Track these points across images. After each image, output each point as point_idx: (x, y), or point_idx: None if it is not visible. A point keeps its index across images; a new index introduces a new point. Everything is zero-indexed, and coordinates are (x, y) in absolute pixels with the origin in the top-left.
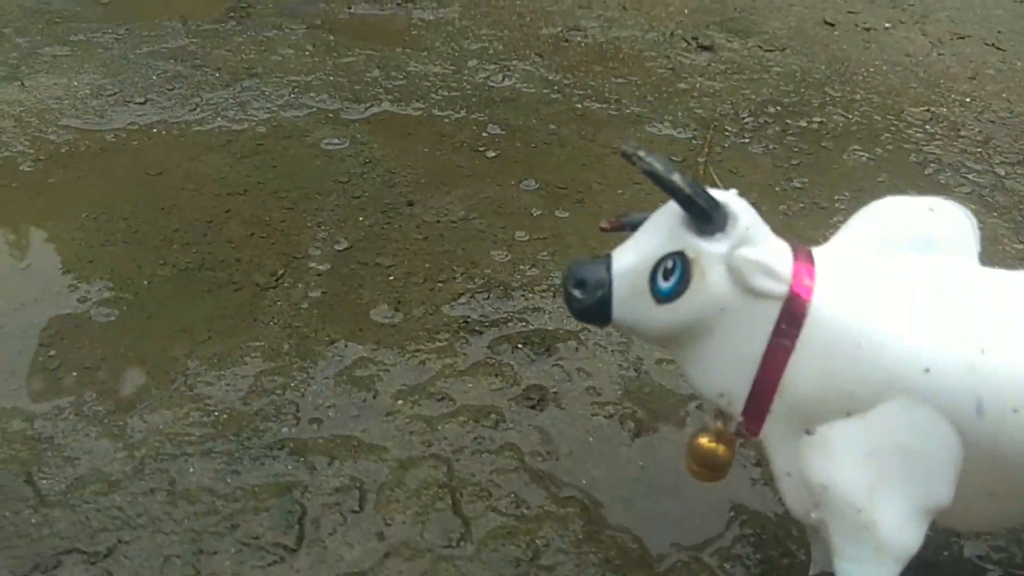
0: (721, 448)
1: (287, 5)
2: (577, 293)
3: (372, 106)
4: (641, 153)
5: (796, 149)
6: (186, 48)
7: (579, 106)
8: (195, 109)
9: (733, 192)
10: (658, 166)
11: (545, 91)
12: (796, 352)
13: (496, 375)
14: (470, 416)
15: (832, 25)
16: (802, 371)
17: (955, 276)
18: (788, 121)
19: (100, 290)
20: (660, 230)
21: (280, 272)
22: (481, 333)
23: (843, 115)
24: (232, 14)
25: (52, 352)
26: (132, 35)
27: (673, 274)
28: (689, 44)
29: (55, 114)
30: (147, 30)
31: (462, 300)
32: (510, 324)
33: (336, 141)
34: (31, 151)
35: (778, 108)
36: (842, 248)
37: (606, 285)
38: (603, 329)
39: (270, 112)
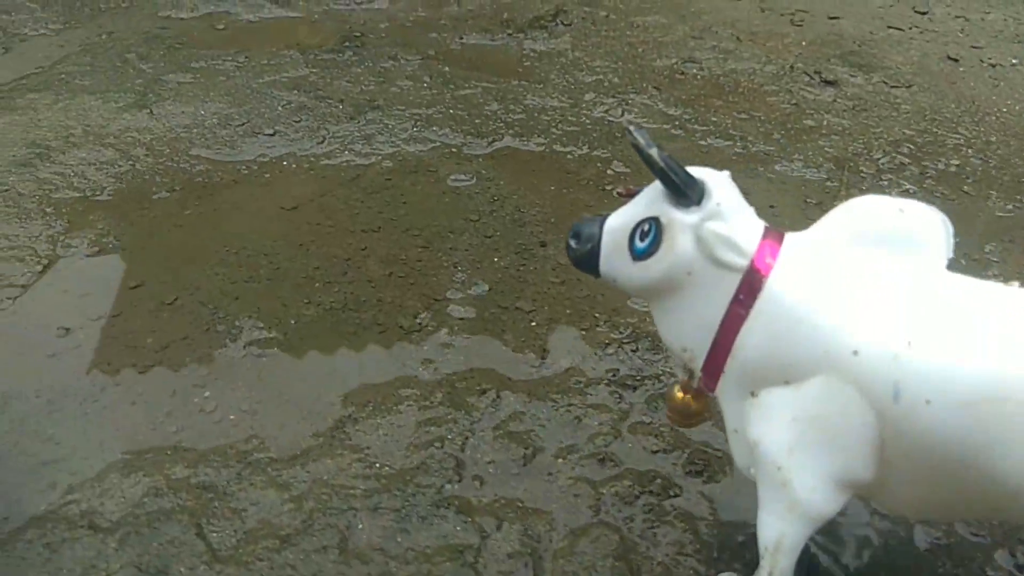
0: (690, 398)
1: (399, 36)
2: (573, 243)
3: (494, 141)
4: (631, 128)
5: (937, 194)
6: (307, 78)
7: (703, 143)
8: (322, 142)
9: (725, 173)
10: (640, 140)
11: (665, 126)
12: (748, 320)
13: (656, 435)
14: (635, 480)
15: (956, 61)
16: (752, 338)
17: (908, 274)
18: (925, 163)
19: (249, 329)
20: (645, 198)
21: (423, 315)
22: (635, 388)
23: (981, 158)
24: (347, 43)
25: (207, 393)
26: (252, 63)
27: (648, 236)
28: (811, 78)
29: (185, 143)
30: (266, 58)
31: (610, 351)
32: (663, 379)
33: (463, 178)
34: (165, 180)
35: (912, 148)
36: (813, 237)
37: (595, 239)
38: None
39: (395, 146)
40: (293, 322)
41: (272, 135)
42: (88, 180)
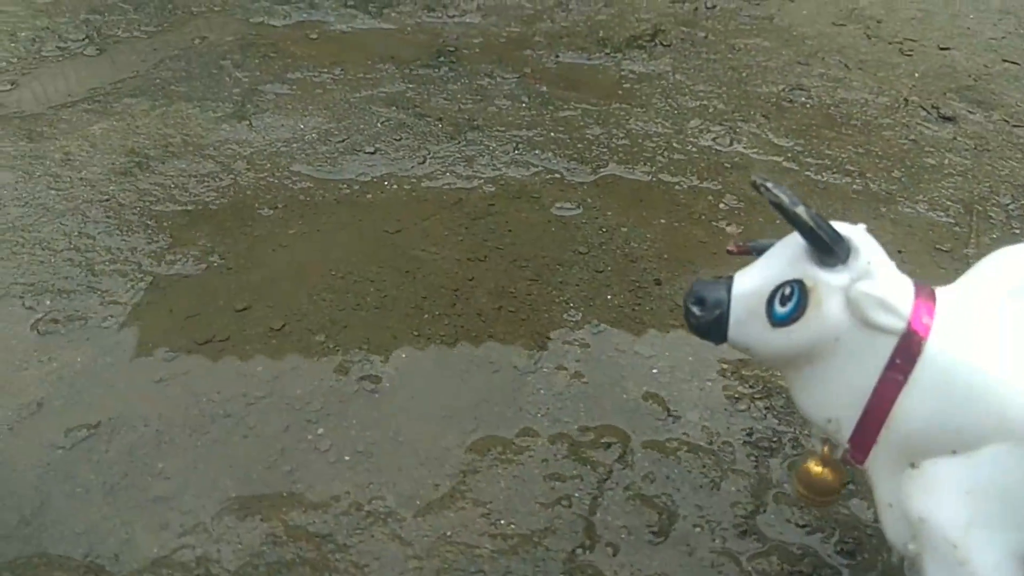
0: (828, 473)
1: (493, 52)
2: (696, 310)
3: (599, 167)
4: (769, 184)
5: None
6: (404, 94)
7: (818, 178)
8: (423, 162)
9: (861, 227)
10: (784, 197)
11: (777, 158)
12: (907, 387)
13: (801, 507)
14: (782, 558)
15: None
16: (912, 406)
17: None
18: None
19: (360, 362)
20: (782, 257)
21: (537, 354)
22: (773, 452)
23: None
24: (442, 58)
25: (320, 430)
26: (348, 76)
27: (791, 300)
28: (928, 113)
29: (286, 158)
30: (361, 71)
31: (741, 407)
32: (802, 443)
33: (568, 206)
34: (268, 196)
35: None
36: (965, 291)
37: (724, 305)
38: None
39: (496, 170)
40: (404, 356)
41: (373, 153)
42: (189, 193)
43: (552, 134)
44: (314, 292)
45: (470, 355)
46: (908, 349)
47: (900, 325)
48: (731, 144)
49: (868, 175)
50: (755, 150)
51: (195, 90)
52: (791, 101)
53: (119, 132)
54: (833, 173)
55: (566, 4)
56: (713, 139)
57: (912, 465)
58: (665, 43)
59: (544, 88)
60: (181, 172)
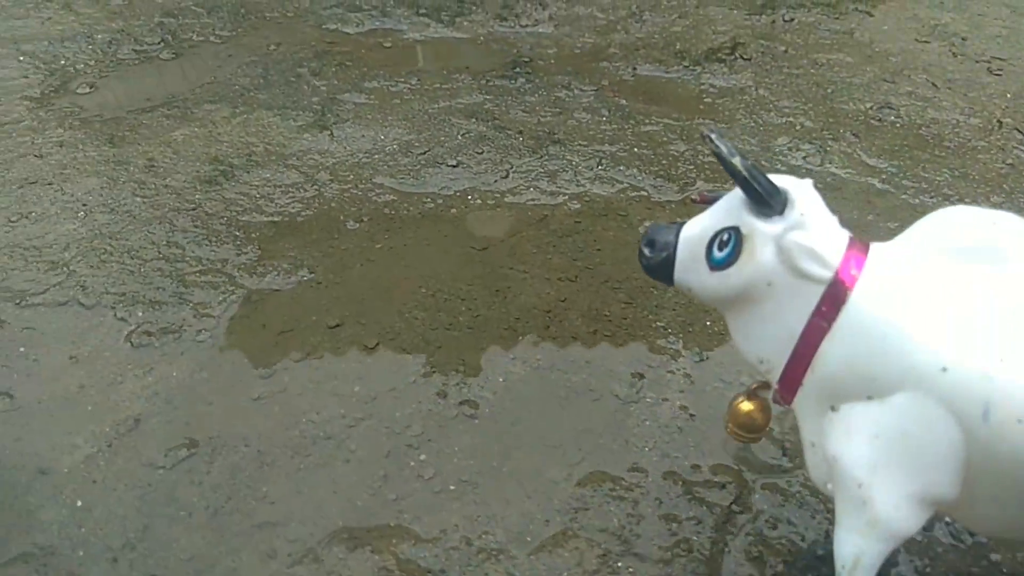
0: (756, 412)
1: (569, 63)
2: (647, 251)
3: (686, 185)
4: (713, 135)
5: None
6: (483, 105)
7: (915, 201)
8: (506, 176)
9: (808, 182)
10: (722, 147)
11: (871, 179)
12: (830, 333)
13: (930, 557)
14: None
15: None
16: (834, 351)
17: (1001, 288)
18: None
19: (457, 385)
20: (725, 207)
21: (638, 383)
22: None
23: None
24: (518, 69)
25: (423, 456)
26: (424, 86)
27: (727, 246)
28: None
29: (369, 170)
30: (438, 81)
31: None
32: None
33: None
34: (352, 209)
35: None
36: (899, 248)
37: (671, 248)
38: None
39: (580, 186)
40: (501, 380)
41: (455, 166)
42: (275, 204)
43: (635, 149)
44: (405, 310)
45: (568, 382)
46: (834, 297)
47: (827, 274)
48: (822, 164)
49: (967, 200)
50: (848, 170)
51: (274, 98)
52: (880, 120)
53: (201, 139)
54: (931, 196)
55: (640, 15)
56: (804, 158)
57: (832, 408)
58: (745, 57)
59: (623, 101)
60: (266, 182)
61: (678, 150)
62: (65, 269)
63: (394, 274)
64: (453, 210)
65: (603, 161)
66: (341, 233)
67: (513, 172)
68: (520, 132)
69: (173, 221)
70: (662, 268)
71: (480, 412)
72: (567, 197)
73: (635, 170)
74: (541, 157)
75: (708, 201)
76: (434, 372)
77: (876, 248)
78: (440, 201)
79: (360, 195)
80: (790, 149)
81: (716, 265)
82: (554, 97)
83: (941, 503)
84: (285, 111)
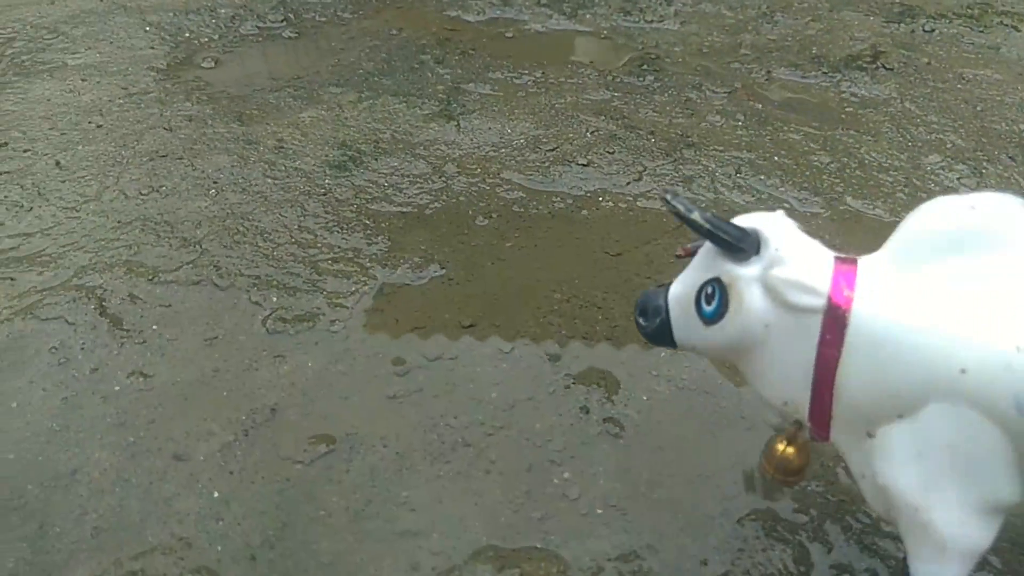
0: (793, 453)
1: (698, 62)
2: (642, 320)
3: (832, 200)
4: (668, 196)
5: None
6: (611, 103)
7: None
8: (639, 179)
9: (779, 213)
10: (679, 206)
11: None
12: (843, 358)
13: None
14: None
15: None
16: (852, 376)
17: (999, 273)
18: None
19: (599, 400)
20: (704, 259)
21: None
22: None
23: None
24: (645, 67)
25: (566, 474)
26: (549, 80)
27: (713, 298)
28: None
29: (496, 164)
30: (562, 76)
31: None
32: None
33: None
34: (481, 204)
35: None
36: (887, 254)
37: (663, 311)
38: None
39: (718, 193)
40: (645, 399)
41: (585, 165)
42: (404, 194)
43: (775, 158)
44: (539, 314)
45: (718, 406)
46: (835, 323)
47: (820, 302)
48: (979, 186)
49: None
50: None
51: (399, 84)
52: None
53: (328, 122)
54: None
55: (771, 16)
56: (958, 179)
57: (869, 435)
58: (888, 66)
59: (759, 106)
60: (394, 171)
61: (821, 161)
62: (198, 247)
63: (527, 275)
64: (584, 211)
65: (742, 169)
66: (471, 229)
67: (646, 175)
68: (652, 133)
69: (304, 205)
70: (661, 334)
71: (625, 432)
72: (704, 205)
73: (776, 180)
74: (675, 161)
75: (692, 253)
76: (574, 384)
77: (864, 261)
78: (570, 201)
79: (488, 190)
80: (943, 168)
81: (709, 319)
82: (685, 98)
83: (1007, 506)
84: (410, 98)
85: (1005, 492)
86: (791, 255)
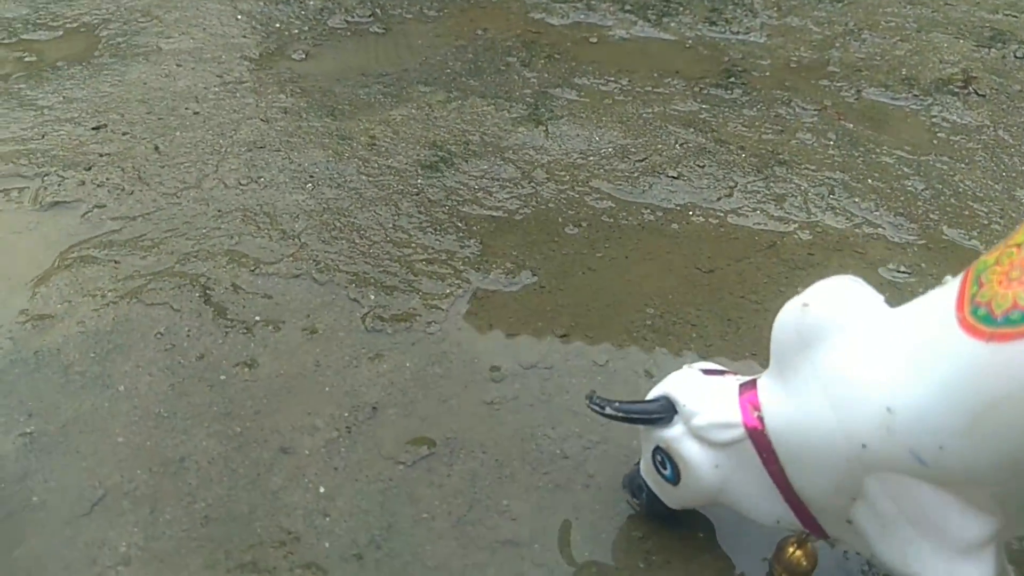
0: (801, 556)
1: (786, 77)
2: (635, 502)
3: (927, 228)
4: (586, 401)
5: None
6: (699, 115)
7: None
8: (730, 195)
9: (684, 368)
10: (595, 407)
11: None
12: (786, 468)
13: None
14: None
15: None
16: (801, 480)
17: (848, 353)
18: None
19: None
20: (644, 436)
21: None
22: None
23: None
24: (732, 79)
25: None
26: (635, 88)
27: (665, 464)
28: None
29: (584, 172)
30: (649, 84)
31: None
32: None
33: (902, 270)
34: (570, 212)
35: None
36: (770, 367)
37: (646, 487)
38: None
39: (811, 215)
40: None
41: (676, 178)
42: (494, 198)
43: (869, 181)
44: (633, 328)
45: None
46: (760, 443)
47: (739, 432)
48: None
49: None
50: None
51: (487, 86)
52: None
53: (419, 121)
54: None
55: (858, 33)
56: None
57: (848, 522)
58: (980, 92)
59: (850, 125)
60: (484, 173)
61: (915, 187)
62: (297, 241)
63: (618, 288)
64: (675, 225)
65: (835, 190)
66: (561, 237)
67: (737, 191)
68: (742, 148)
69: (398, 204)
70: (654, 505)
71: None
72: (797, 225)
73: (871, 204)
74: (766, 178)
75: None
76: None
77: (761, 379)
78: (660, 214)
79: (577, 198)
80: None
81: (672, 482)
82: (774, 113)
83: (987, 538)
84: (498, 101)
85: (971, 529)
86: (700, 403)
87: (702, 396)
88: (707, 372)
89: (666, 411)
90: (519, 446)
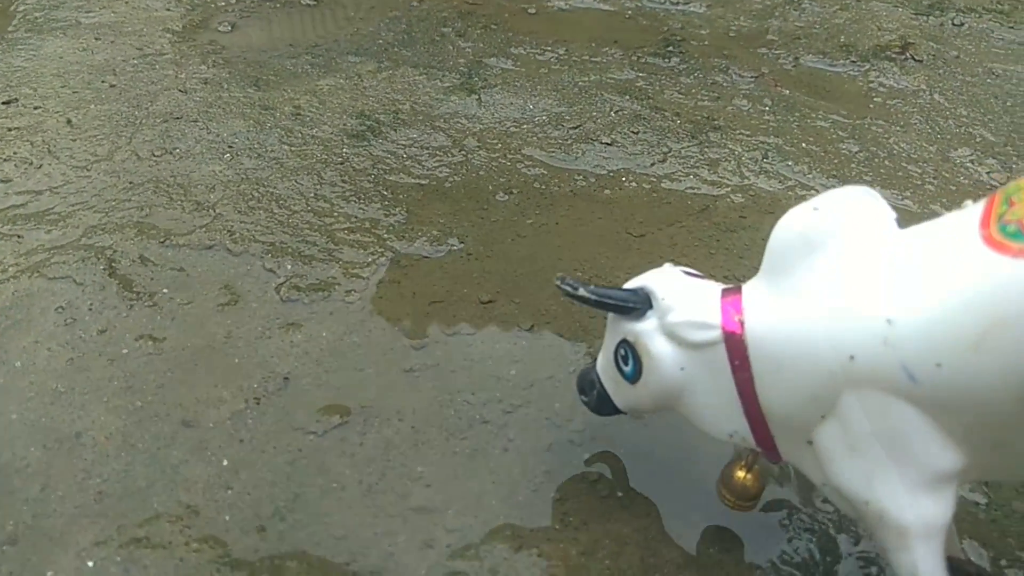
0: (749, 479)
1: (724, 46)
2: (583, 398)
3: None
4: (557, 280)
5: None
6: (635, 83)
7: None
8: (663, 161)
9: (666, 265)
10: (566, 287)
11: None
12: (756, 380)
13: None
14: None
15: None
16: (770, 392)
17: (853, 260)
18: None
19: None
20: (610, 326)
21: None
22: None
23: None
24: (671, 48)
25: (586, 455)
26: (572, 57)
27: (628, 359)
28: None
29: (517, 140)
30: (586, 53)
31: None
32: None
33: None
34: (501, 179)
35: None
36: (762, 273)
37: (597, 383)
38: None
39: (744, 178)
40: None
41: (609, 144)
42: (423, 166)
43: (803, 145)
44: (559, 293)
45: None
46: (735, 348)
47: (715, 333)
48: (1008, 181)
49: None
50: None
51: (419, 56)
52: None
53: (347, 91)
54: None
55: (798, 3)
56: (988, 173)
57: (809, 442)
58: (917, 58)
59: (786, 91)
60: (413, 142)
61: (850, 150)
62: (211, 211)
63: (547, 253)
64: (607, 191)
65: (769, 154)
66: (490, 204)
67: (671, 156)
68: (677, 114)
69: (321, 173)
70: (603, 404)
71: (648, 420)
72: (730, 189)
73: (804, 167)
74: (701, 144)
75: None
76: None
77: (747, 285)
78: (592, 180)
79: (508, 165)
80: (972, 162)
81: (631, 379)
82: (711, 81)
83: (952, 473)
84: (431, 70)
85: (942, 460)
86: (678, 300)
87: (681, 293)
88: (688, 274)
89: (641, 302)
90: (438, 412)
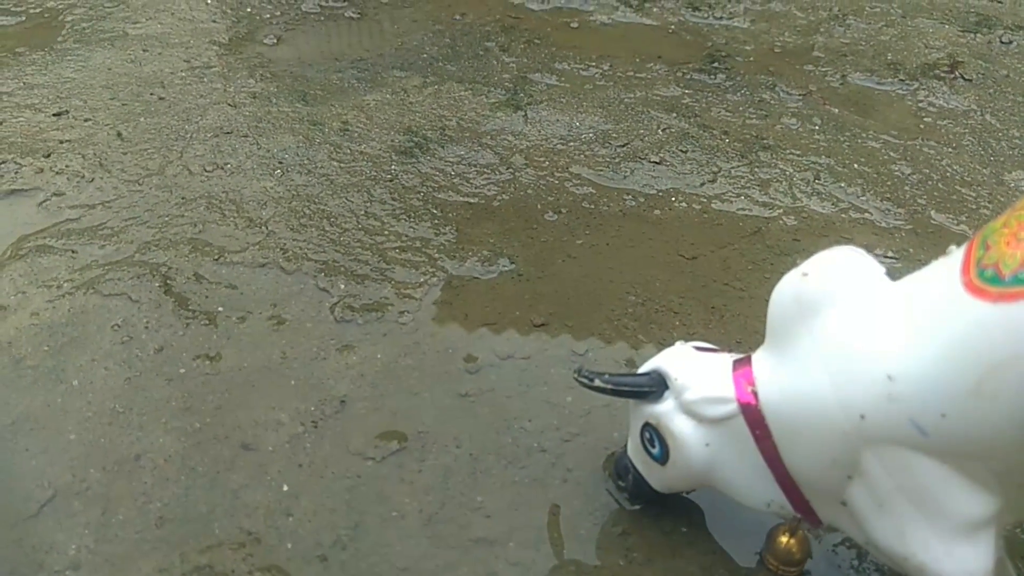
0: (793, 544)
1: (770, 62)
2: (621, 484)
3: (915, 213)
4: (574, 375)
5: None
6: (681, 100)
7: None
8: (713, 181)
9: (677, 344)
10: (583, 380)
11: None
12: (779, 448)
13: None
14: None
15: None
16: (795, 458)
17: (846, 321)
18: None
19: None
20: (632, 411)
21: None
22: None
23: None
24: (715, 64)
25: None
26: (617, 73)
27: (653, 442)
28: None
29: (564, 158)
30: (631, 69)
31: None
32: None
33: (890, 256)
34: (550, 198)
35: None
36: (767, 341)
37: (632, 469)
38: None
39: (795, 199)
40: None
41: (658, 163)
42: (471, 184)
43: (855, 166)
44: (613, 317)
45: None
46: (754, 419)
47: (731, 407)
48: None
49: None
50: None
51: (464, 71)
52: None
53: (393, 107)
54: None
55: (843, 19)
56: None
57: (843, 503)
58: (967, 77)
59: (835, 110)
60: (460, 159)
61: (903, 172)
62: (264, 228)
63: (599, 275)
64: (657, 211)
65: (820, 175)
66: (540, 224)
67: (721, 176)
68: (725, 133)
69: (371, 191)
70: (642, 489)
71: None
72: (782, 210)
73: (858, 188)
74: (751, 163)
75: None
76: None
77: (756, 355)
78: (642, 200)
79: (556, 184)
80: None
81: (660, 460)
82: (758, 98)
83: (986, 519)
84: (476, 86)
85: (971, 508)
86: (692, 377)
87: (694, 371)
88: (700, 349)
89: (657, 385)
90: (494, 440)
